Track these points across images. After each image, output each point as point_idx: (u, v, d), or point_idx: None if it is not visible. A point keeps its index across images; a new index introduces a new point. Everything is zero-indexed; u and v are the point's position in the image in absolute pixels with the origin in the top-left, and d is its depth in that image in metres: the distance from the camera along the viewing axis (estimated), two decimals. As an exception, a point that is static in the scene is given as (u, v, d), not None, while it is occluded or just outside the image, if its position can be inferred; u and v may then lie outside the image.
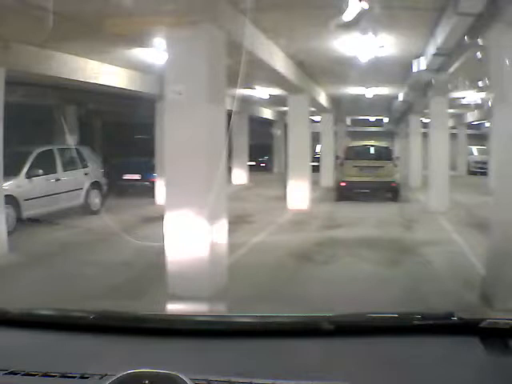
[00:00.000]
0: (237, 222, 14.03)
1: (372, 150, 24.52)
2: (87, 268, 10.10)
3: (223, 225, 9.05)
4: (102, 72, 16.23)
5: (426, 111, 21.09)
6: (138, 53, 14.52)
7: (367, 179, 21.62)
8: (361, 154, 23.84)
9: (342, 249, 12.46)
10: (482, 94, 23.09)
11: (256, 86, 23.23)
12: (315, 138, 31.03)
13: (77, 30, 10.31)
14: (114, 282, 8.95)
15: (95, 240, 13.27)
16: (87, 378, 2.08)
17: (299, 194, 19.43)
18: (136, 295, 7.73)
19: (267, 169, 39.80)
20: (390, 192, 21.97)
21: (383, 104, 29.86)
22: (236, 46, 10.06)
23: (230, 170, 31.46)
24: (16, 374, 2.13)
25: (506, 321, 2.42)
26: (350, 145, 25.47)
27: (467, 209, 18.59)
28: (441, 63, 13.61)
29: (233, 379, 2.04)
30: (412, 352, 2.36)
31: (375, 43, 12.48)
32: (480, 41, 9.55)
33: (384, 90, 23.64)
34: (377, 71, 16.41)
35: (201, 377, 2.02)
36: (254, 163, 36.20)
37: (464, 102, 25.20)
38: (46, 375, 2.12)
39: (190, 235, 8.43)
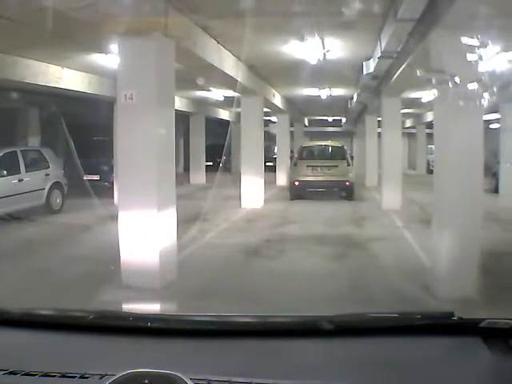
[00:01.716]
0: (190, 221, 14.35)
1: (325, 150, 24.72)
2: (46, 263, 10.39)
3: (173, 222, 9.47)
4: (63, 76, 16.45)
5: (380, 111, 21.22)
6: (97, 58, 14.74)
7: (321, 178, 21.71)
8: (314, 153, 24.15)
9: (291, 245, 12.66)
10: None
11: (211, 88, 23.33)
12: (272, 139, 31.31)
13: (39, 36, 10.46)
14: (71, 275, 9.19)
15: (56, 238, 13.48)
16: (87, 377, 2.07)
17: (253, 193, 19.57)
18: (92, 287, 7.99)
19: (226, 169, 39.74)
20: (344, 191, 22.17)
21: (340, 104, 29.94)
22: (186, 52, 10.39)
23: (187, 170, 32.06)
24: (16, 374, 2.12)
25: (506, 321, 2.41)
26: (304, 145, 25.53)
27: (420, 206, 18.73)
28: (388, 65, 13.95)
29: (233, 379, 2.04)
30: (412, 352, 2.38)
31: (322, 47, 12.81)
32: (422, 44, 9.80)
33: (339, 91, 23.61)
34: (328, 73, 16.54)
35: (201, 377, 2.03)
36: (212, 163, 36.24)
37: (422, 101, 25.43)
38: (45, 375, 2.11)
39: (142, 233, 8.87)
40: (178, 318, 2.86)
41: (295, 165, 22.76)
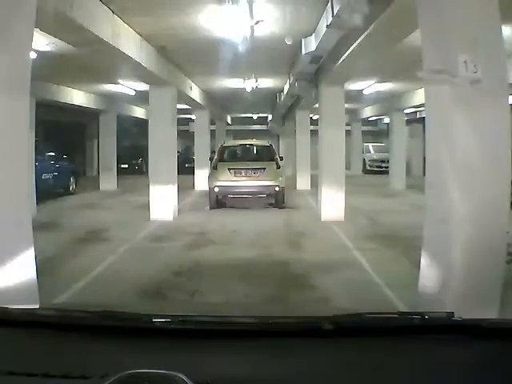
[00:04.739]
0: (84, 241, 12.67)
1: (250, 150, 22.75)
2: None
3: (29, 255, 5.85)
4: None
5: (316, 105, 19.04)
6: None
7: (245, 183, 19.32)
8: (237, 154, 22.26)
9: (209, 280, 9.69)
10: (385, 85, 21.86)
11: (119, 81, 21.18)
12: (192, 139, 30.56)
13: None
14: None
15: None
16: (87, 378, 2.10)
17: (164, 201, 16.92)
18: None
19: (141, 172, 37.42)
20: (274, 197, 19.88)
21: (267, 99, 28.68)
22: (59, 16, 8.07)
23: (97, 174, 30.93)
24: (16, 374, 2.14)
25: (506, 321, 2.52)
26: (225, 144, 22.97)
27: (368, 217, 16.69)
28: (336, 41, 10.98)
29: (233, 379, 2.09)
30: (412, 352, 2.37)
31: (250, 17, 9.98)
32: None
33: (267, 83, 21.85)
34: (256, 57, 14.51)
35: (201, 377, 2.05)
36: (127, 166, 34.56)
37: (363, 94, 24.12)
38: (46, 375, 2.13)
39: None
40: (179, 318, 2.70)
41: (215, 168, 20.20)
